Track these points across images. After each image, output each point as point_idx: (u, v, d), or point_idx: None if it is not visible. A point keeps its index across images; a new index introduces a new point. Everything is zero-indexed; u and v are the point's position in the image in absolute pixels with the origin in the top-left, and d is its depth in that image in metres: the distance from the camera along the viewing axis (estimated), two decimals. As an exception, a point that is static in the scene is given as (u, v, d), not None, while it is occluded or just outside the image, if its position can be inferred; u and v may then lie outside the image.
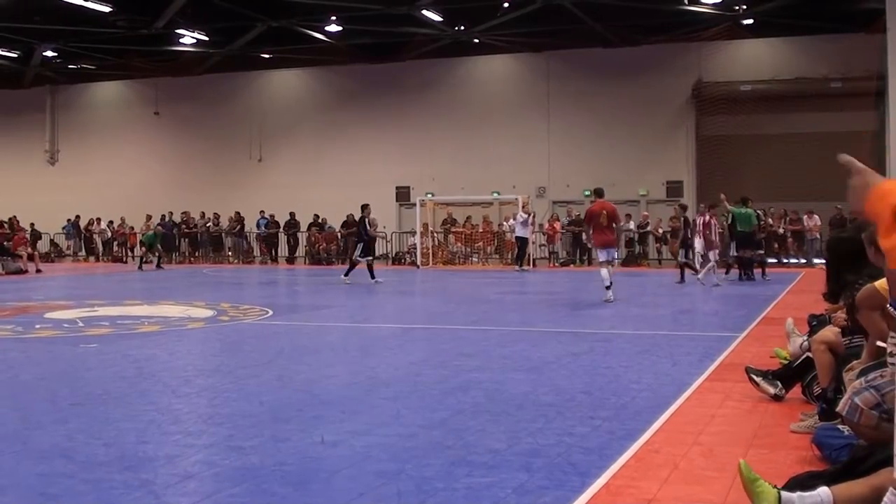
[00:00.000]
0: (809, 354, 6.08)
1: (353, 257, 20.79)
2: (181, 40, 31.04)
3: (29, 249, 27.10)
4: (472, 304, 15.27)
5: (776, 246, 27.29)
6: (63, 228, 35.15)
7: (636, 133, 30.66)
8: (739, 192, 22.43)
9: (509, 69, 32.95)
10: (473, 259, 30.09)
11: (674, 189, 30.70)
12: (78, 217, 35.04)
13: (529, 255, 26.81)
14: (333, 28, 30.07)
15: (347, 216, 31.01)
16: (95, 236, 34.64)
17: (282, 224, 32.06)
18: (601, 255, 15.36)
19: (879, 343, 4.47)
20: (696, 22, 28.51)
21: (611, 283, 14.53)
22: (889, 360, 4.01)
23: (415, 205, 30.21)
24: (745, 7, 27.28)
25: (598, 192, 16.40)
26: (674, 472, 4.49)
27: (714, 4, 27.24)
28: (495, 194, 30.20)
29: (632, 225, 28.97)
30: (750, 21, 28.30)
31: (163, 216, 32.64)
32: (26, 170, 37.52)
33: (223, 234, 32.96)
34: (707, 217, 22.88)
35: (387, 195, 33.12)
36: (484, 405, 6.17)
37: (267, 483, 4.33)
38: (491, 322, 12.41)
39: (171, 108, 36.06)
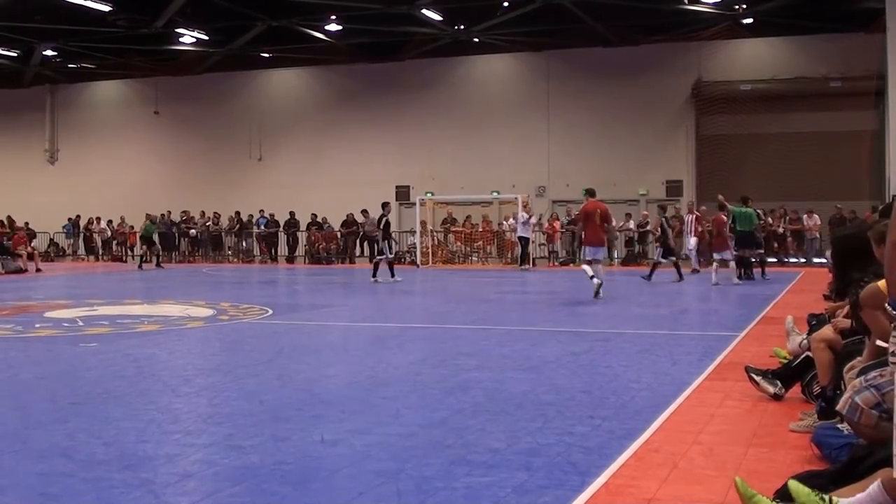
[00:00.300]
0: (809, 353, 6.08)
1: (386, 256, 20.84)
2: (181, 39, 31.04)
3: (29, 248, 27.10)
4: (471, 303, 15.27)
5: (776, 245, 27.29)
6: (63, 228, 35.15)
7: (636, 133, 30.66)
8: (739, 191, 22.43)
9: (509, 69, 32.95)
10: (473, 258, 30.10)
11: (674, 188, 30.71)
12: (78, 216, 35.04)
13: (529, 255, 26.81)
14: (333, 27, 30.07)
15: (347, 215, 31.05)
16: (95, 235, 34.64)
17: (281, 223, 32.06)
18: (589, 254, 15.83)
19: (879, 342, 4.47)
20: (695, 21, 28.50)
21: (591, 275, 14.99)
22: (890, 359, 4.01)
23: (414, 204, 30.21)
24: (744, 6, 27.27)
25: (591, 192, 16.61)
26: (673, 472, 4.49)
27: (714, 4, 27.23)
28: (495, 194, 30.21)
29: (631, 224, 28.97)
30: (750, 21, 28.29)
31: (162, 215, 32.63)
32: (26, 169, 37.53)
33: (223, 234, 32.96)
34: (696, 215, 22.99)
35: (386, 194, 33.05)
36: (484, 404, 6.17)
37: (267, 482, 4.33)
38: (490, 321, 12.41)
39: (170, 108, 36.06)
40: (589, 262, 15.60)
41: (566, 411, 5.93)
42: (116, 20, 27.91)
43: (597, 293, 14.82)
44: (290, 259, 31.84)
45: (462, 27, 29.86)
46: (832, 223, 25.94)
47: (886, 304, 4.25)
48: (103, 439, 5.21)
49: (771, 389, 6.24)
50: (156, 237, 30.77)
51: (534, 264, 27.00)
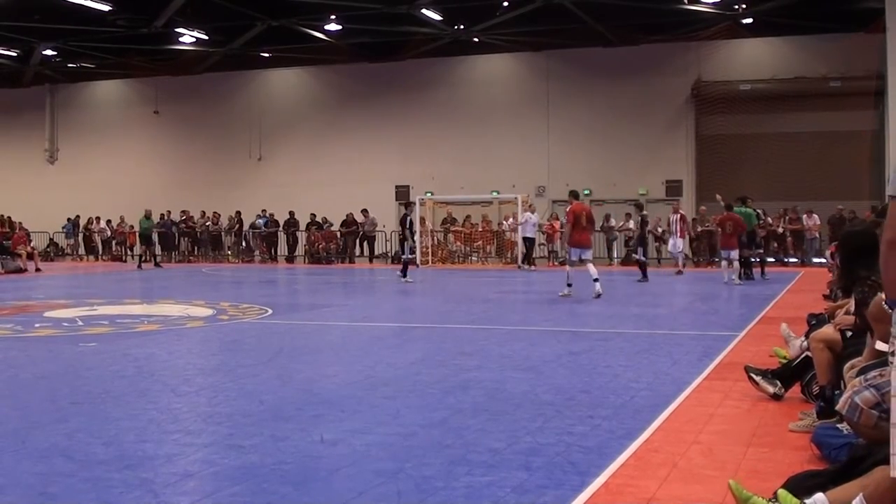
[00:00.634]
0: (808, 353, 6.08)
1: (405, 256, 20.89)
2: (181, 39, 31.03)
3: (28, 248, 27.11)
4: (471, 303, 15.27)
5: (776, 245, 27.29)
6: (63, 228, 35.14)
7: (636, 132, 30.66)
8: (739, 191, 22.45)
9: (509, 68, 32.95)
10: (473, 258, 30.09)
11: (673, 188, 30.71)
12: (77, 216, 35.03)
13: (524, 254, 26.81)
14: (333, 27, 30.06)
15: (347, 215, 31.04)
16: (95, 235, 34.64)
17: (281, 223, 32.07)
18: (574, 255, 16.13)
19: (879, 345, 4.48)
20: (695, 21, 28.50)
21: (569, 283, 15.46)
22: (890, 359, 4.01)
23: (414, 204, 30.18)
24: (744, 6, 27.26)
25: (575, 194, 17.07)
26: (673, 471, 4.49)
27: (714, 4, 27.23)
28: (495, 193, 30.21)
29: (631, 224, 28.94)
30: (749, 20, 28.28)
31: (162, 215, 32.64)
32: (26, 169, 37.52)
33: (222, 234, 32.96)
34: (680, 214, 23.02)
35: (386, 194, 33.12)
36: (483, 404, 6.17)
37: (267, 482, 4.33)
38: (490, 321, 12.41)
39: (170, 108, 36.05)
40: (573, 264, 16.07)
41: (566, 411, 5.93)
42: (116, 20, 27.90)
43: (598, 294, 15.04)
44: (290, 259, 31.84)
45: (462, 27, 29.85)
46: (831, 223, 25.94)
47: (884, 304, 4.25)
48: (103, 439, 5.21)
49: (770, 389, 6.25)
50: (155, 237, 30.84)
51: (533, 264, 26.98)
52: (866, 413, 3.94)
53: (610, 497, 4.11)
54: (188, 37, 30.63)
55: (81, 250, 35.09)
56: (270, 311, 13.11)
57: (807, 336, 6.71)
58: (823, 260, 22.04)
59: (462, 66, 32.91)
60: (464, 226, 30.61)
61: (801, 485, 3.77)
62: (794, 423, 5.42)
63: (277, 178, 34.29)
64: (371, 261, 30.88)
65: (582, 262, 15.98)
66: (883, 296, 4.20)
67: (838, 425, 4.64)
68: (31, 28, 29.06)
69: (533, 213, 26.39)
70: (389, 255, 31.18)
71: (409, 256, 20.82)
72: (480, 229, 30.59)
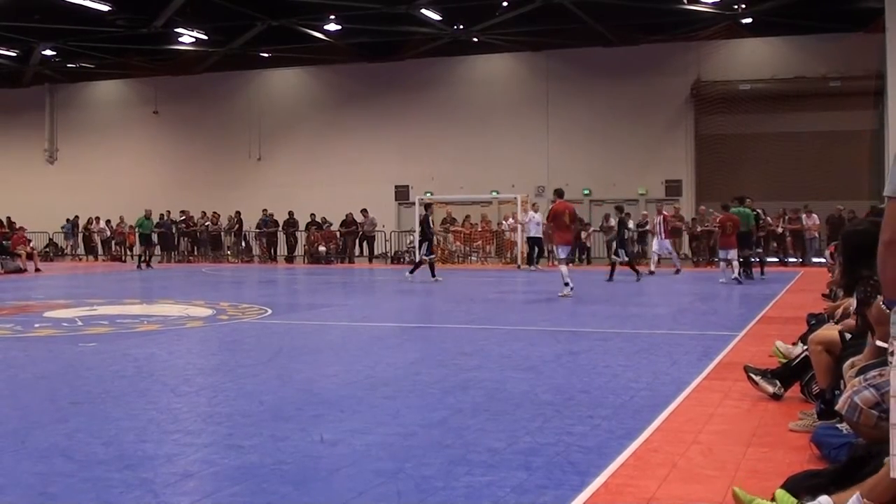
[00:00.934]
0: (808, 353, 6.07)
1: (423, 256, 20.96)
2: (180, 39, 31.04)
3: (28, 248, 27.11)
4: (471, 303, 15.27)
5: (775, 245, 27.30)
6: (62, 228, 35.14)
7: (635, 132, 30.67)
8: (738, 191, 22.46)
9: (508, 68, 32.95)
10: (472, 258, 30.09)
11: (673, 188, 30.73)
12: (77, 217, 35.02)
13: (527, 254, 26.80)
14: (333, 27, 30.07)
15: (346, 215, 31.05)
16: (94, 235, 34.64)
17: (280, 223, 32.08)
18: (562, 253, 16.30)
19: (879, 343, 4.47)
20: (695, 21, 28.51)
21: (567, 282, 15.47)
22: (889, 359, 4.01)
23: (414, 204, 30.19)
24: (744, 6, 27.28)
25: (559, 193, 17.07)
26: (673, 471, 4.49)
27: (713, 4, 27.24)
28: (494, 193, 30.21)
29: (631, 224, 28.91)
30: (749, 20, 28.30)
31: (161, 215, 32.64)
32: (25, 169, 37.53)
33: (222, 234, 32.95)
34: (664, 215, 23.03)
35: (386, 194, 33.14)
36: (483, 404, 6.17)
37: (266, 482, 4.33)
38: (490, 321, 12.41)
39: (170, 108, 36.06)
40: (563, 262, 16.17)
41: (565, 411, 5.93)
42: (116, 20, 27.91)
43: (566, 294, 15.39)
44: (290, 259, 31.84)
45: (461, 27, 29.86)
46: (830, 223, 25.94)
47: (882, 305, 4.25)
48: (103, 439, 5.21)
49: (770, 389, 6.24)
50: (155, 237, 30.84)
51: (538, 264, 26.93)
52: (866, 413, 3.94)
53: (610, 497, 4.11)
54: (188, 37, 30.65)
55: (81, 250, 35.09)
56: (270, 311, 13.10)
57: (804, 337, 6.70)
58: (823, 260, 22.04)
59: (461, 66, 32.92)
60: (463, 226, 30.61)
61: (800, 485, 3.77)
62: (794, 422, 5.42)
63: (277, 178, 34.30)
64: (370, 261, 30.88)
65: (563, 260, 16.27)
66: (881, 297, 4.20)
67: (838, 425, 4.64)
68: (30, 28, 29.07)
69: (536, 212, 26.35)
70: (389, 254, 31.19)
71: (431, 256, 20.82)
72: (480, 229, 30.59)
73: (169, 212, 33.15)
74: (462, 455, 4.78)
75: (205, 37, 30.80)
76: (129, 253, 33.35)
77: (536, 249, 25.97)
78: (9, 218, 30.73)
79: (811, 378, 5.96)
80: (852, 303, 5.72)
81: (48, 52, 33.28)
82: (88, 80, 37.18)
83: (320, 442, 5.11)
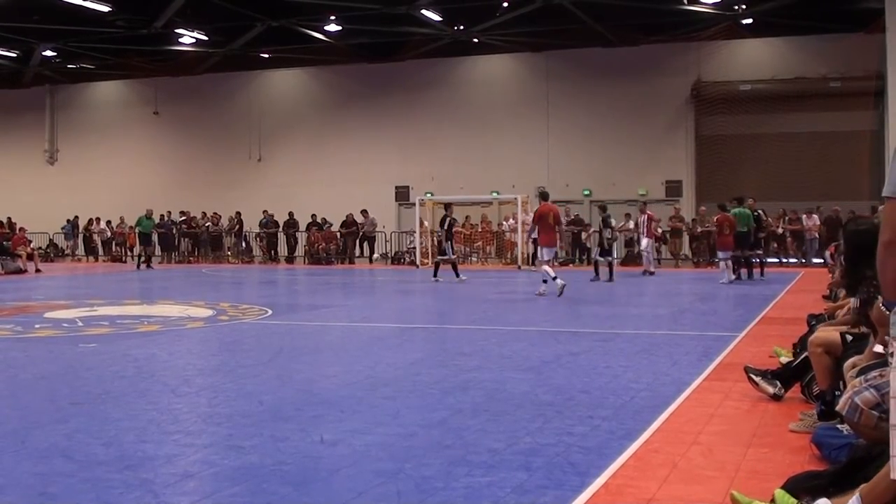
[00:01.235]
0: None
1: (449, 256, 20.99)
2: (180, 40, 31.04)
3: (28, 249, 27.11)
4: (471, 303, 15.27)
5: (775, 245, 27.30)
6: (62, 228, 35.13)
7: (635, 133, 30.66)
8: (739, 191, 22.47)
9: (508, 69, 32.95)
10: (472, 259, 30.08)
11: (673, 189, 30.72)
12: (76, 217, 35.02)
13: (527, 255, 26.81)
14: (333, 28, 30.07)
15: (347, 216, 31.04)
16: (95, 236, 34.63)
17: (280, 224, 32.07)
18: (546, 254, 16.54)
19: (877, 348, 4.47)
20: (695, 22, 28.50)
21: (554, 276, 15.77)
22: (890, 360, 4.01)
23: (414, 204, 30.20)
24: (744, 7, 27.27)
25: (544, 195, 17.28)
26: (673, 472, 4.49)
27: (713, 4, 27.23)
28: (494, 194, 30.20)
29: (631, 225, 28.92)
30: (749, 21, 28.29)
31: (162, 216, 32.63)
32: (26, 169, 37.53)
33: (223, 234, 32.95)
34: (648, 215, 23.05)
35: (386, 195, 33.14)
36: (483, 405, 6.17)
37: (266, 482, 4.33)
38: (490, 321, 12.41)
39: (170, 108, 36.07)
40: (547, 262, 16.39)
41: (566, 411, 5.93)
42: (116, 20, 27.91)
43: (542, 293, 15.60)
44: (290, 259, 31.84)
45: (461, 27, 29.86)
46: (827, 223, 25.92)
47: (881, 306, 4.25)
48: (103, 439, 5.21)
49: (770, 390, 6.24)
50: (155, 237, 30.84)
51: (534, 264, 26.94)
52: (866, 414, 3.94)
53: (610, 497, 4.11)
54: (188, 37, 30.65)
55: (81, 251, 35.09)
56: (270, 312, 13.10)
57: (803, 339, 6.69)
58: (823, 260, 22.05)
59: (462, 66, 32.91)
60: (464, 226, 30.60)
61: (801, 485, 3.77)
62: (795, 423, 5.41)
63: (277, 178, 34.30)
64: (371, 261, 30.87)
65: (550, 260, 16.55)
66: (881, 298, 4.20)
67: (838, 426, 4.63)
68: (30, 29, 29.07)
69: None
70: (389, 255, 31.19)
71: (451, 257, 20.85)
72: (480, 230, 30.58)
73: (169, 212, 33.16)
74: (462, 455, 4.78)
75: (205, 37, 30.80)
76: (129, 253, 33.36)
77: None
78: (9, 218, 30.75)
79: (811, 379, 5.96)
80: (852, 303, 5.72)
81: (48, 53, 33.28)
82: (89, 80, 37.19)
83: (320, 442, 5.11)
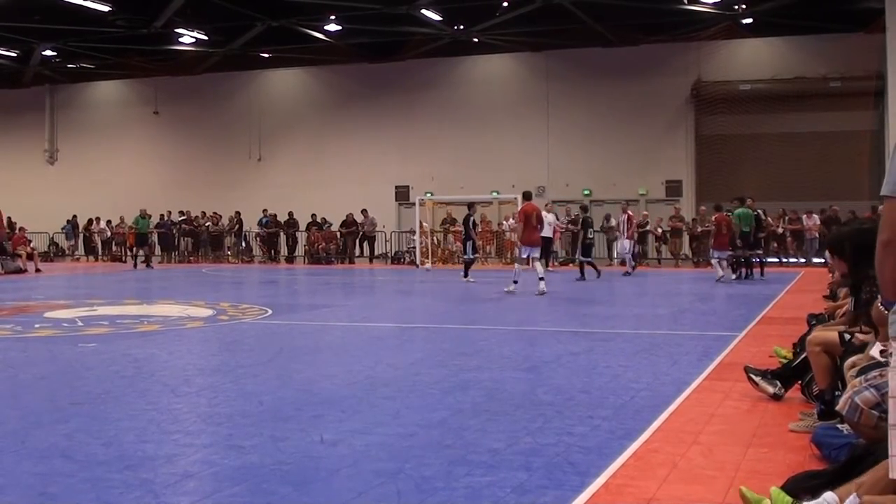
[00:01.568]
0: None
1: (465, 256, 21.06)
2: (180, 40, 31.04)
3: (28, 249, 27.10)
4: (471, 303, 15.27)
5: (776, 245, 27.31)
6: (62, 228, 35.14)
7: (635, 132, 30.66)
8: (739, 191, 22.47)
9: (508, 69, 32.95)
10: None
11: (673, 188, 30.73)
12: (75, 217, 35.02)
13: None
14: (333, 27, 30.07)
15: (347, 215, 31.05)
16: (95, 236, 34.63)
17: (280, 223, 32.07)
18: (524, 252, 16.86)
19: (873, 352, 4.47)
20: (695, 21, 28.51)
21: (516, 280, 16.18)
22: (890, 360, 4.01)
23: (414, 204, 30.21)
24: (744, 6, 27.27)
25: (527, 196, 17.70)
26: (673, 472, 4.49)
27: (713, 4, 27.23)
28: (494, 194, 30.19)
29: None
30: (749, 20, 28.29)
31: (162, 216, 32.64)
32: (25, 169, 37.52)
33: (223, 234, 32.95)
34: (628, 215, 23.07)
35: (386, 194, 33.14)
36: (483, 404, 6.17)
37: (266, 482, 4.33)
38: (490, 321, 12.41)
39: (170, 108, 36.07)
40: (534, 260, 16.73)
41: (566, 411, 5.93)
42: (116, 20, 27.90)
43: (542, 292, 15.87)
44: (290, 259, 31.84)
45: (461, 27, 29.85)
46: (825, 223, 25.92)
47: (880, 306, 4.25)
48: (103, 439, 5.21)
49: (770, 390, 6.24)
50: (154, 237, 30.84)
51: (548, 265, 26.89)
52: (866, 413, 3.94)
53: (610, 497, 4.11)
54: (188, 37, 30.64)
55: (81, 251, 35.08)
56: (270, 312, 13.10)
57: (803, 339, 6.69)
58: (823, 260, 22.05)
59: (462, 66, 32.91)
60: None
61: (801, 485, 3.77)
62: (795, 423, 5.41)
63: (277, 178, 34.30)
64: (371, 261, 30.87)
65: (529, 260, 16.82)
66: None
67: (838, 425, 4.63)
68: (30, 28, 29.07)
69: (549, 212, 26.29)
70: (389, 255, 31.19)
71: (472, 257, 20.90)
72: (480, 230, 30.55)
73: (169, 212, 33.16)
74: (462, 455, 4.78)
75: (205, 37, 30.80)
76: (129, 253, 33.35)
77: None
78: (9, 218, 30.71)
79: (811, 379, 5.96)
80: (849, 303, 5.72)
81: (48, 53, 33.28)
82: (88, 80, 37.18)
83: (320, 442, 5.10)
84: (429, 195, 30.92)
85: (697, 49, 30.12)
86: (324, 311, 14.04)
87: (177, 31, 29.76)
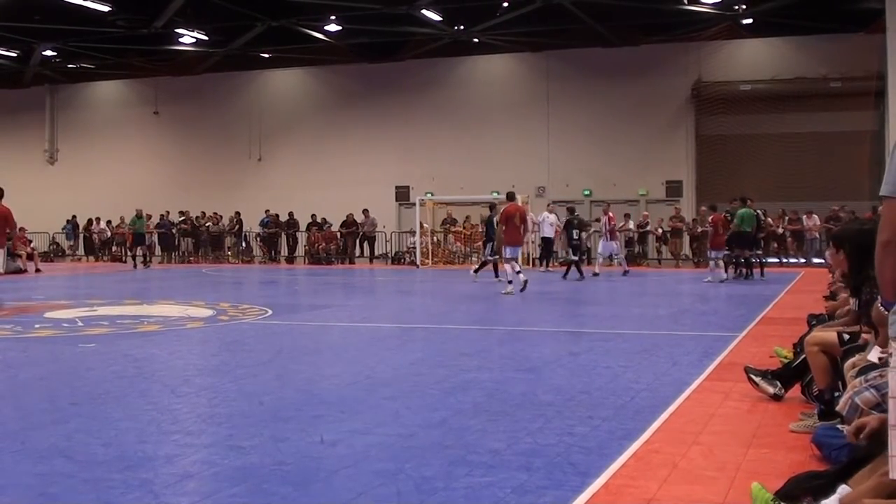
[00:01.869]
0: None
1: (484, 256, 21.13)
2: (181, 40, 31.04)
3: (28, 249, 27.10)
4: (471, 303, 15.27)
5: (776, 246, 27.29)
6: (63, 229, 35.14)
7: (636, 133, 30.66)
8: (739, 191, 22.46)
9: (509, 69, 32.95)
10: (473, 259, 30.04)
11: (673, 189, 30.72)
12: (74, 216, 35.01)
13: (528, 255, 26.78)
14: (333, 28, 30.07)
15: (347, 216, 31.05)
16: (95, 236, 34.63)
17: (281, 223, 32.07)
18: (508, 252, 16.91)
19: (871, 356, 4.47)
20: (695, 22, 28.50)
21: (518, 270, 16.36)
22: (890, 361, 4.00)
23: (414, 204, 30.21)
24: (744, 7, 27.27)
25: (510, 196, 17.71)
26: (673, 472, 4.49)
27: (713, 4, 27.23)
28: (495, 194, 30.12)
29: (631, 225, 28.95)
30: (749, 21, 28.29)
31: (161, 216, 32.64)
32: (26, 169, 37.46)
33: (223, 234, 32.94)
34: (609, 216, 23.09)
35: (386, 195, 33.13)
36: (483, 405, 6.17)
37: (266, 483, 4.32)
38: (490, 322, 12.41)
39: (170, 108, 36.07)
40: (509, 261, 16.76)
41: (566, 412, 5.92)
42: (116, 20, 27.91)
43: (523, 288, 16.06)
44: (290, 259, 31.84)
45: (462, 27, 29.85)
46: (828, 223, 25.90)
47: (880, 307, 4.25)
48: (103, 440, 5.21)
49: (770, 390, 6.24)
50: (154, 237, 30.81)
51: (533, 265, 26.95)
52: (867, 414, 3.93)
53: (610, 498, 4.11)
54: (188, 37, 30.64)
55: (81, 251, 35.08)
56: (270, 312, 13.10)
57: (803, 339, 6.69)
58: (823, 260, 22.05)
59: (462, 66, 32.91)
60: (464, 226, 30.60)
61: (801, 486, 3.76)
62: (795, 423, 5.41)
63: (277, 178, 34.30)
64: (371, 261, 30.87)
65: (514, 259, 16.97)
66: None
67: (839, 426, 4.63)
68: (30, 28, 29.07)
69: (551, 213, 26.31)
70: (389, 255, 31.18)
71: (493, 257, 20.93)
72: (480, 230, 30.53)
73: (168, 212, 33.16)
74: (462, 456, 4.78)
75: (205, 37, 30.80)
76: (128, 253, 33.35)
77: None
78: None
79: (812, 379, 5.95)
80: (851, 304, 5.72)
81: (48, 53, 33.28)
82: (89, 80, 37.18)
83: (320, 443, 5.10)
84: (429, 195, 30.92)
85: (698, 49, 30.12)
86: (324, 312, 14.04)
87: (177, 31, 29.76)
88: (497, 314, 13.46)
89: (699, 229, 27.34)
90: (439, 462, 4.67)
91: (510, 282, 16.28)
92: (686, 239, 28.51)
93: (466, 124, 32.33)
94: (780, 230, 27.33)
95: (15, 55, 33.52)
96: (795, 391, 6.25)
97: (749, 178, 27.71)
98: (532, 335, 10.43)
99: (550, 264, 25.95)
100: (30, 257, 26.14)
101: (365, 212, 30.81)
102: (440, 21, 28.95)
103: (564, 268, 21.66)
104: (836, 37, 27.82)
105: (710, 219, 21.29)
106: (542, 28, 29.39)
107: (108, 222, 34.14)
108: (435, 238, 30.41)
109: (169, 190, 34.76)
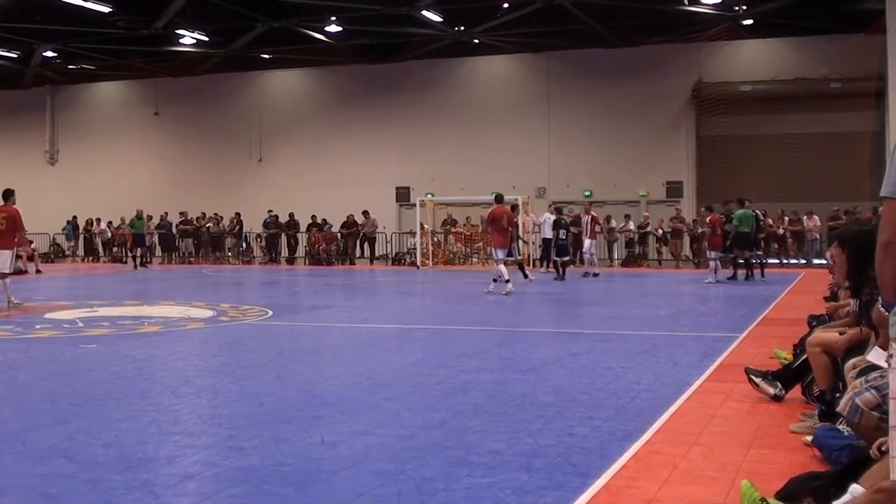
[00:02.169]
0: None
1: (505, 257, 21.10)
2: (181, 41, 31.04)
3: (29, 249, 27.08)
4: (471, 304, 15.27)
5: (776, 246, 27.28)
6: (63, 229, 35.13)
7: (636, 133, 30.65)
8: (739, 192, 22.46)
9: (509, 69, 32.95)
10: (473, 259, 30.06)
11: (674, 189, 30.71)
12: (75, 217, 35.00)
13: (530, 256, 26.77)
14: (333, 28, 30.06)
15: (347, 216, 31.04)
16: (95, 237, 34.63)
17: (281, 224, 32.06)
18: (499, 254, 17.30)
19: (870, 356, 4.47)
20: (696, 22, 28.49)
21: (507, 279, 16.50)
22: (890, 361, 4.00)
23: (414, 205, 30.20)
24: (744, 7, 27.26)
25: (499, 198, 18.01)
26: (674, 473, 4.49)
27: (714, 5, 27.22)
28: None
29: (632, 226, 28.96)
30: (750, 21, 28.28)
31: (161, 216, 32.62)
32: (26, 170, 37.43)
33: (223, 235, 32.93)
34: (592, 216, 23.09)
35: (386, 195, 33.12)
36: (484, 406, 6.17)
37: (267, 483, 4.33)
38: (490, 322, 12.41)
39: (170, 109, 36.06)
40: (500, 262, 17.10)
41: (566, 412, 5.92)
42: (116, 21, 27.90)
43: (508, 292, 16.13)
44: (290, 260, 31.84)
45: (462, 28, 29.84)
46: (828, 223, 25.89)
47: (881, 307, 4.25)
48: (103, 440, 5.21)
49: (771, 391, 6.24)
50: (154, 237, 30.80)
51: (534, 265, 26.92)
52: (867, 415, 3.93)
53: (611, 498, 4.11)
54: (188, 38, 30.64)
55: (81, 252, 35.07)
56: (271, 313, 13.10)
57: (803, 340, 6.69)
58: (824, 261, 22.04)
59: (462, 67, 32.91)
60: (464, 227, 30.60)
61: (802, 486, 3.76)
62: (795, 424, 5.41)
63: (277, 179, 34.29)
64: (371, 262, 30.86)
65: (504, 260, 17.22)
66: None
67: (839, 426, 4.63)
68: (31, 29, 29.06)
69: (551, 214, 26.26)
70: (390, 256, 31.18)
71: (517, 258, 20.99)
72: (481, 230, 30.53)
73: (167, 213, 33.14)
74: (463, 457, 4.78)
75: (205, 38, 30.80)
76: (129, 254, 33.35)
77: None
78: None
79: (812, 380, 5.95)
80: (852, 305, 5.72)
81: (49, 54, 33.26)
82: (89, 81, 37.17)
83: (321, 443, 5.10)
84: (429, 196, 30.91)
85: (698, 50, 30.11)
86: (324, 312, 14.04)
87: (177, 31, 29.76)
88: (497, 315, 13.46)
89: (699, 230, 27.32)
90: (440, 463, 4.67)
91: (507, 281, 16.42)
92: (686, 240, 28.50)
93: (467, 125, 32.32)
94: (781, 231, 27.31)
95: (15, 56, 33.52)
96: (796, 392, 6.25)
97: (749, 178, 27.70)
98: (532, 336, 10.43)
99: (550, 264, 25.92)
100: (30, 258, 26.12)
101: (365, 213, 30.80)
102: (441, 22, 28.95)
103: (562, 268, 21.65)
104: (836, 37, 27.81)
105: (707, 220, 21.31)
106: (542, 29, 29.38)
107: (109, 223, 34.13)
108: (435, 239, 30.40)
109: (169, 190, 34.75)
